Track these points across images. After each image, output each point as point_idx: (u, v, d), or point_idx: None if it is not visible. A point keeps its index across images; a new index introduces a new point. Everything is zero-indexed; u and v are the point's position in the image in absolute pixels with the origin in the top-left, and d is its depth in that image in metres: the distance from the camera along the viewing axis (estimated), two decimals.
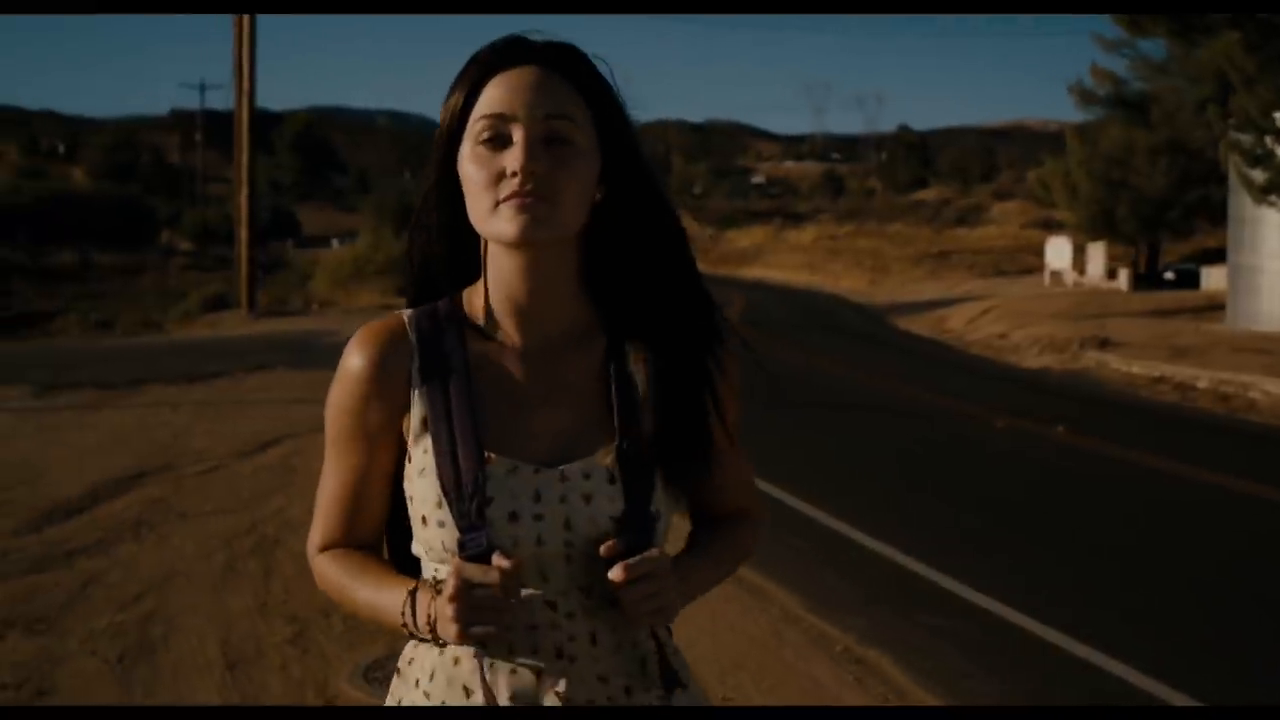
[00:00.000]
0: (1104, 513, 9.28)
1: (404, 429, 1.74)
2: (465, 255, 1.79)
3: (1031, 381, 20.05)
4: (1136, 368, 20.63)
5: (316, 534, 1.83)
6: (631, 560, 1.63)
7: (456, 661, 1.68)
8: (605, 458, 1.71)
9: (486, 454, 1.68)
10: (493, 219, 1.67)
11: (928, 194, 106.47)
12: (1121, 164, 44.64)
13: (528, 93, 1.69)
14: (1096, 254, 49.16)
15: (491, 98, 1.69)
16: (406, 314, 1.79)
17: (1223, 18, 20.92)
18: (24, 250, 65.46)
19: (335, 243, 72.49)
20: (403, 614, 1.68)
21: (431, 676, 1.70)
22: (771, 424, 8.70)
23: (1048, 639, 6.16)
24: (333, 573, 1.79)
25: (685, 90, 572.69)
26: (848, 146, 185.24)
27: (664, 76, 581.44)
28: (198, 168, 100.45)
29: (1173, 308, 32.69)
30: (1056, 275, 50.82)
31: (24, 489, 9.06)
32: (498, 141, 1.68)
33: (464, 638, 1.60)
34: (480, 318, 1.77)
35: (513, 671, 1.67)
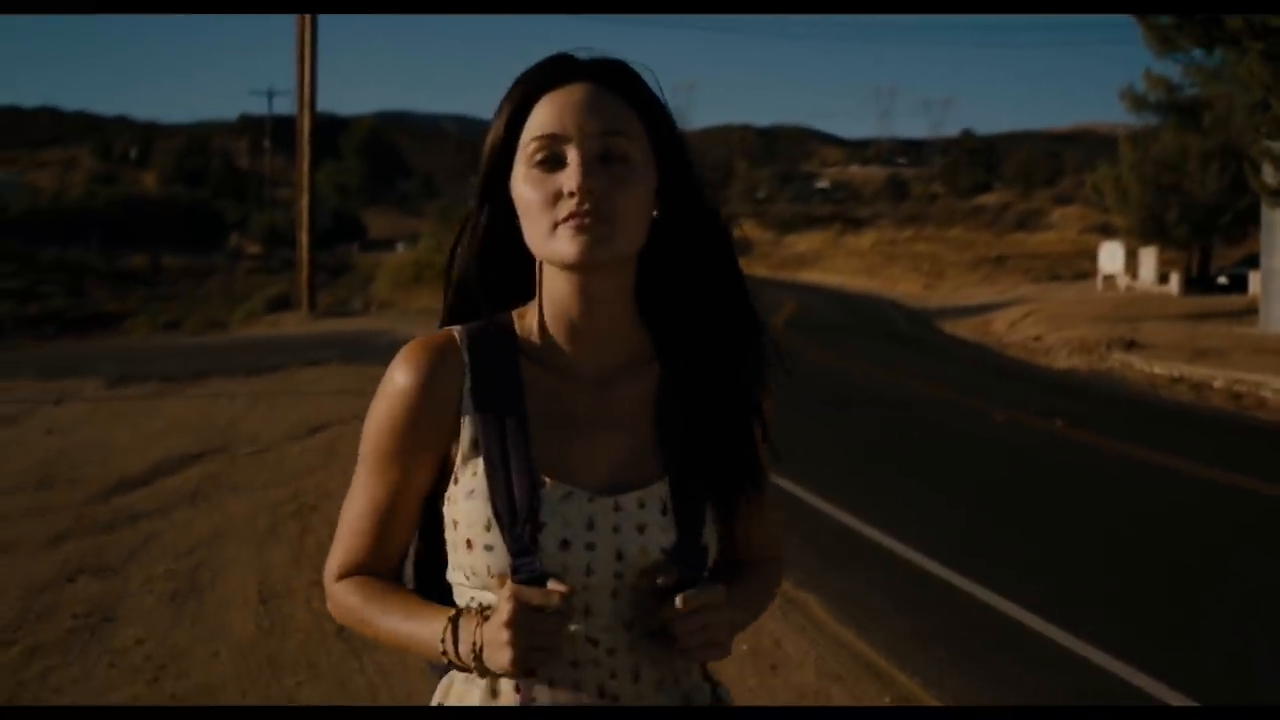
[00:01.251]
0: (1086, 500, 10.08)
1: (450, 450, 1.70)
2: (510, 277, 1.76)
3: (1054, 381, 20.80)
4: (1158, 368, 21.32)
5: (336, 559, 1.79)
6: (690, 592, 1.62)
7: (495, 694, 1.66)
8: (659, 489, 1.69)
9: (541, 478, 1.65)
10: (551, 241, 1.64)
11: (989, 198, 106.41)
12: (1173, 169, 45.00)
13: (580, 110, 1.67)
14: (1148, 259, 49.47)
15: (543, 118, 1.67)
16: (457, 331, 1.74)
17: (1245, 28, 21.52)
18: (97, 253, 67.11)
19: (400, 246, 73.52)
20: (443, 641, 1.63)
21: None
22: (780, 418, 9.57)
23: (989, 602, 7.02)
24: (354, 600, 1.75)
25: (751, 95, 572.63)
26: (913, 151, 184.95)
27: (730, 81, 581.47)
28: (265, 173, 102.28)
29: (1212, 311, 33.20)
30: (1109, 279, 51.19)
31: (95, 466, 10.13)
32: (552, 162, 1.65)
33: (517, 664, 1.55)
34: (533, 339, 1.73)
35: (554, 708, 1.64)
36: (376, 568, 1.76)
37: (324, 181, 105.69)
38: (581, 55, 1.72)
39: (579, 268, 1.65)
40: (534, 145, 1.66)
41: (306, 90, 29.32)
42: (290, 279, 36.03)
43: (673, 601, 1.61)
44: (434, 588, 1.75)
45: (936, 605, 6.88)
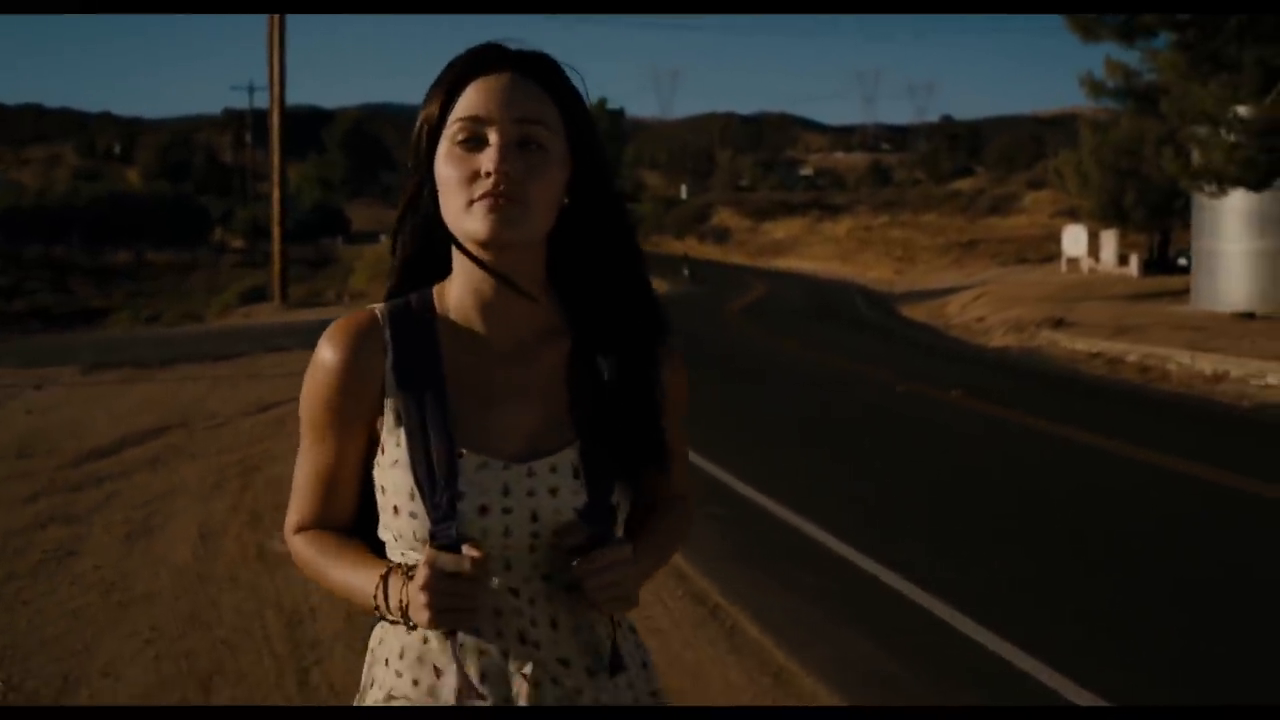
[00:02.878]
0: (945, 456, 11.35)
1: (377, 422, 1.80)
2: (444, 253, 1.83)
3: (979, 358, 22.12)
4: (1080, 345, 22.62)
5: (293, 514, 1.90)
6: (597, 551, 1.73)
7: (426, 640, 1.77)
8: (570, 454, 1.79)
9: (458, 449, 1.75)
10: (465, 218, 1.73)
11: (964, 184, 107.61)
12: (1131, 154, 46.14)
13: (503, 96, 1.75)
14: (1109, 241, 50.70)
15: (468, 101, 1.75)
16: (379, 308, 1.84)
17: (1158, 21, 22.81)
18: (81, 250, 67.98)
19: (383, 238, 74.23)
20: (374, 597, 1.75)
21: (401, 655, 1.79)
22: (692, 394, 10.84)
23: (846, 555, 8.27)
24: (308, 553, 1.87)
25: (735, 83, 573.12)
26: (898, 137, 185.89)
27: (715, 70, 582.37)
28: (248, 167, 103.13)
29: (1159, 291, 34.50)
30: (1073, 262, 52.37)
31: (69, 439, 11.35)
32: (473, 143, 1.74)
33: (435, 623, 1.67)
34: (451, 315, 1.83)
35: (480, 653, 1.75)
36: (329, 523, 1.87)
37: (307, 175, 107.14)
38: (511, 46, 1.81)
39: (489, 245, 1.74)
40: (457, 126, 1.74)
41: (277, 88, 30.53)
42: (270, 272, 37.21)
43: (583, 559, 1.73)
44: (378, 541, 1.85)
45: (759, 529, 8.13)
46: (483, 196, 1.71)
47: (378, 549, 1.83)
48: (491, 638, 1.76)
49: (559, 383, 1.83)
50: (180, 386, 15.29)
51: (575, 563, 1.73)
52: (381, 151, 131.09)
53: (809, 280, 60.21)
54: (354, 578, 1.79)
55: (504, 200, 1.71)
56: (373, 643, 1.86)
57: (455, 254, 1.81)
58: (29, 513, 8.39)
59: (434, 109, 1.78)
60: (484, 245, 1.75)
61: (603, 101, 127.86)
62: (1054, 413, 13.90)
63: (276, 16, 30.01)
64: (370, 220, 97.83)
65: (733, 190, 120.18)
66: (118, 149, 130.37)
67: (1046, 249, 64.88)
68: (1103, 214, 48.59)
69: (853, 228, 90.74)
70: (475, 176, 1.72)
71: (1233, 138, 23.30)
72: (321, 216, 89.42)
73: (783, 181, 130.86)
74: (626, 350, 1.85)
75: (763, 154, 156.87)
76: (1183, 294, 31.86)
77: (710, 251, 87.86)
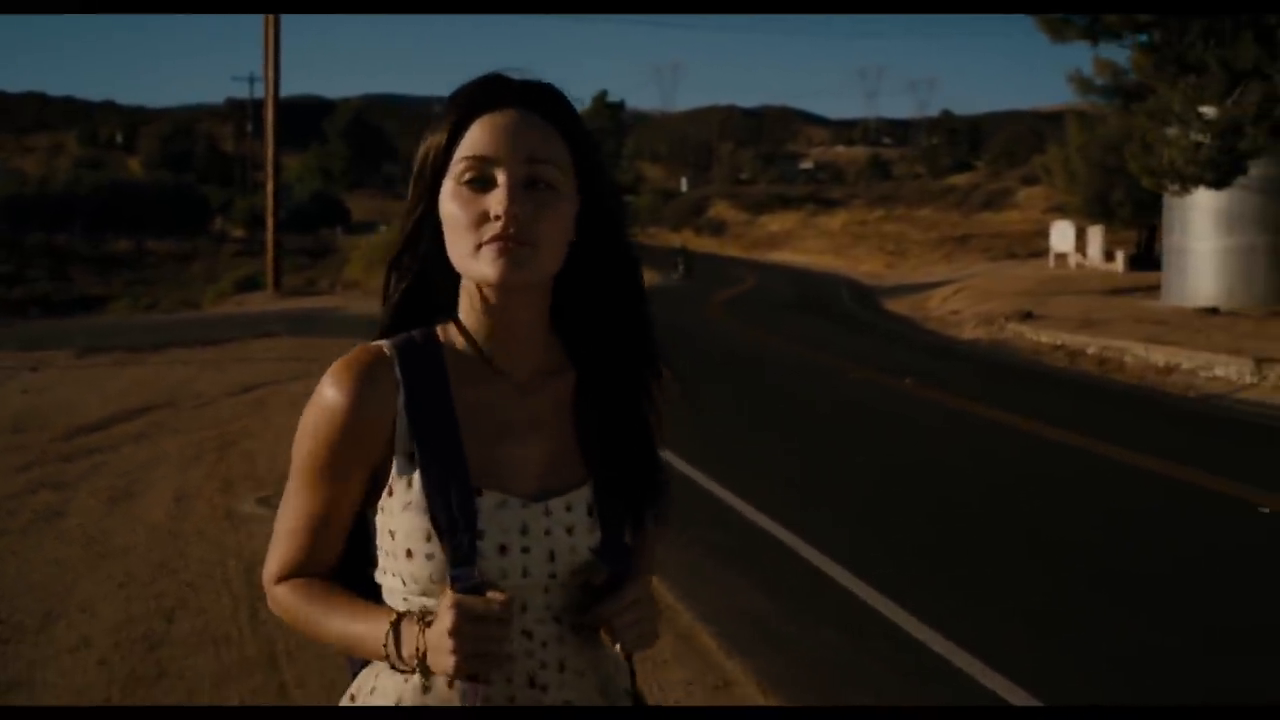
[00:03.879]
0: (897, 443, 12.11)
1: (382, 463, 1.75)
2: (442, 289, 1.80)
3: (948, 349, 22.89)
4: (1045, 337, 23.36)
5: (274, 563, 1.84)
6: (622, 592, 1.74)
7: (427, 690, 1.71)
8: (584, 492, 1.78)
9: (477, 487, 1.72)
10: (474, 261, 1.70)
11: (959, 179, 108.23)
12: (1118, 151, 46.72)
13: (511, 135, 1.71)
14: (1095, 237, 51.40)
15: (475, 139, 1.71)
16: (386, 345, 1.78)
17: (1121, 23, 23.58)
18: (82, 239, 68.63)
19: (383, 229, 74.71)
20: (385, 645, 1.70)
21: (398, 703, 1.73)
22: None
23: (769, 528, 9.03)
24: (295, 602, 1.81)
25: (738, 77, 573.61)
26: (899, 131, 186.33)
27: (717, 63, 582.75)
28: (249, 157, 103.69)
29: (1137, 286, 35.18)
30: (1061, 258, 53.03)
31: (62, 416, 12.12)
32: (480, 183, 1.70)
33: (462, 670, 1.62)
34: (457, 351, 1.79)
35: (486, 699, 1.70)
36: (315, 570, 1.81)
37: (308, 165, 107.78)
38: (515, 77, 1.77)
39: (500, 288, 1.72)
40: (464, 165, 1.71)
41: (271, 84, 31.36)
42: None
43: (606, 599, 1.73)
44: (362, 588, 1.80)
45: (682, 497, 8.88)
46: (492, 240, 1.68)
47: (366, 596, 1.80)
48: (501, 682, 1.72)
49: (566, 419, 1.82)
50: (170, 369, 16.07)
51: (603, 603, 1.73)
52: (383, 142, 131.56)
53: (800, 273, 60.84)
54: (355, 626, 1.75)
55: (513, 244, 1.68)
56: (359, 693, 1.80)
57: (463, 291, 1.80)
58: (21, 480, 9.16)
59: (439, 143, 1.75)
60: (495, 288, 1.73)
61: (602, 95, 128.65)
62: (1004, 401, 14.54)
63: (271, 16, 30.79)
64: (370, 211, 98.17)
65: (733, 183, 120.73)
66: (120, 138, 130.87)
67: (1036, 244, 65.38)
68: (1089, 210, 49.24)
69: (848, 221, 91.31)
70: (484, 218, 1.69)
71: (1198, 137, 24.05)
72: (321, 206, 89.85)
73: (783, 175, 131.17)
74: (628, 387, 1.85)
75: (764, 147, 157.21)
76: (1157, 290, 32.54)
77: (706, 244, 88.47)
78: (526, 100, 1.75)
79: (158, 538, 7.40)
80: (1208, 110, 24.28)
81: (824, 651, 5.81)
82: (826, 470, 10.43)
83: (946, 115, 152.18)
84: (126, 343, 19.18)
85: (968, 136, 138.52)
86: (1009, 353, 22.43)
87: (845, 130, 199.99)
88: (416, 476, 1.72)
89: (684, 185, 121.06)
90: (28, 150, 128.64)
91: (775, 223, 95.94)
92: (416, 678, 1.70)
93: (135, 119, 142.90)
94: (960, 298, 35.55)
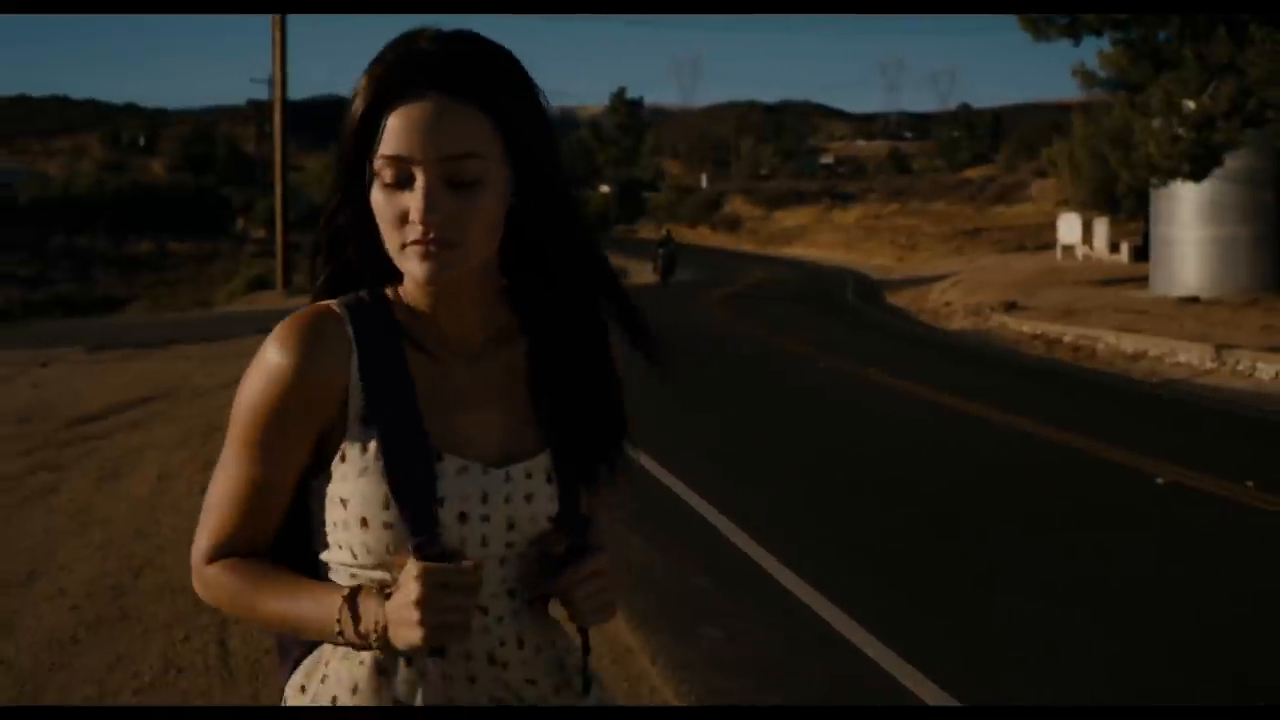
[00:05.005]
0: (844, 425, 12.89)
1: (330, 427, 1.68)
2: (376, 267, 1.73)
3: (931, 339, 23.65)
4: (1025, 327, 24.11)
5: (206, 540, 1.74)
6: (582, 563, 1.69)
7: (383, 671, 1.67)
8: (543, 459, 1.74)
9: (438, 452, 1.67)
10: (401, 258, 1.65)
11: (975, 172, 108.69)
12: (1121, 143, 47.27)
13: (425, 133, 1.63)
14: (1101, 229, 51.95)
15: (393, 137, 1.63)
16: (338, 305, 1.72)
17: (1098, 22, 24.29)
18: (105, 241, 69.69)
19: None
20: (339, 621, 1.63)
21: (354, 690, 1.68)
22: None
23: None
24: (228, 581, 1.72)
25: (760, 72, 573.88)
26: (920, 124, 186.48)
27: (738, 59, 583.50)
28: (270, 157, 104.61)
29: (1128, 276, 35.85)
30: (1068, 249, 53.60)
31: (67, 406, 13.00)
32: (401, 182, 1.63)
33: (428, 641, 1.57)
34: (408, 316, 1.74)
35: (446, 677, 1.66)
36: (249, 548, 1.73)
37: (328, 164, 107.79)
38: (428, 45, 1.67)
39: (428, 284, 1.67)
40: (382, 163, 1.64)
41: (279, 85, 32.32)
42: (289, 261, 38.93)
43: (567, 569, 1.68)
44: (301, 567, 1.73)
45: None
46: (414, 242, 1.63)
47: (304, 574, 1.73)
48: (460, 659, 1.68)
49: (521, 386, 1.77)
50: (173, 364, 16.97)
51: (564, 573, 1.69)
52: None
53: (809, 267, 61.52)
54: (301, 605, 1.67)
55: (435, 246, 1.62)
56: (306, 681, 1.74)
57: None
58: (22, 463, 10.01)
59: (353, 129, 1.67)
60: (423, 285, 1.70)
61: (621, 91, 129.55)
62: (968, 388, 15.10)
63: (277, 18, 31.70)
64: None
65: (751, 179, 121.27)
66: (142, 140, 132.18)
67: (1047, 237, 65.80)
68: (1094, 202, 49.80)
69: (862, 216, 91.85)
70: (405, 218, 1.63)
71: (1177, 130, 24.74)
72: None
73: (803, 170, 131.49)
74: (586, 349, 1.80)
75: (785, 142, 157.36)
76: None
77: (721, 239, 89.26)
78: (443, 80, 1.65)
79: (138, 510, 8.24)
80: (1187, 104, 24.98)
81: (692, 594, 6.66)
82: (754, 446, 11.21)
83: (964, 108, 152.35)
84: (136, 340, 20.13)
85: (989, 129, 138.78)
86: (989, 342, 23.15)
87: (866, 124, 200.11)
88: (371, 440, 1.66)
89: (704, 181, 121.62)
90: (51, 153, 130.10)
91: (790, 218, 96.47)
92: (371, 659, 1.67)
93: (157, 121, 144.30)
94: (956, 290, 36.25)
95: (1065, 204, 74.40)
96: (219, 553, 1.74)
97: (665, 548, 7.47)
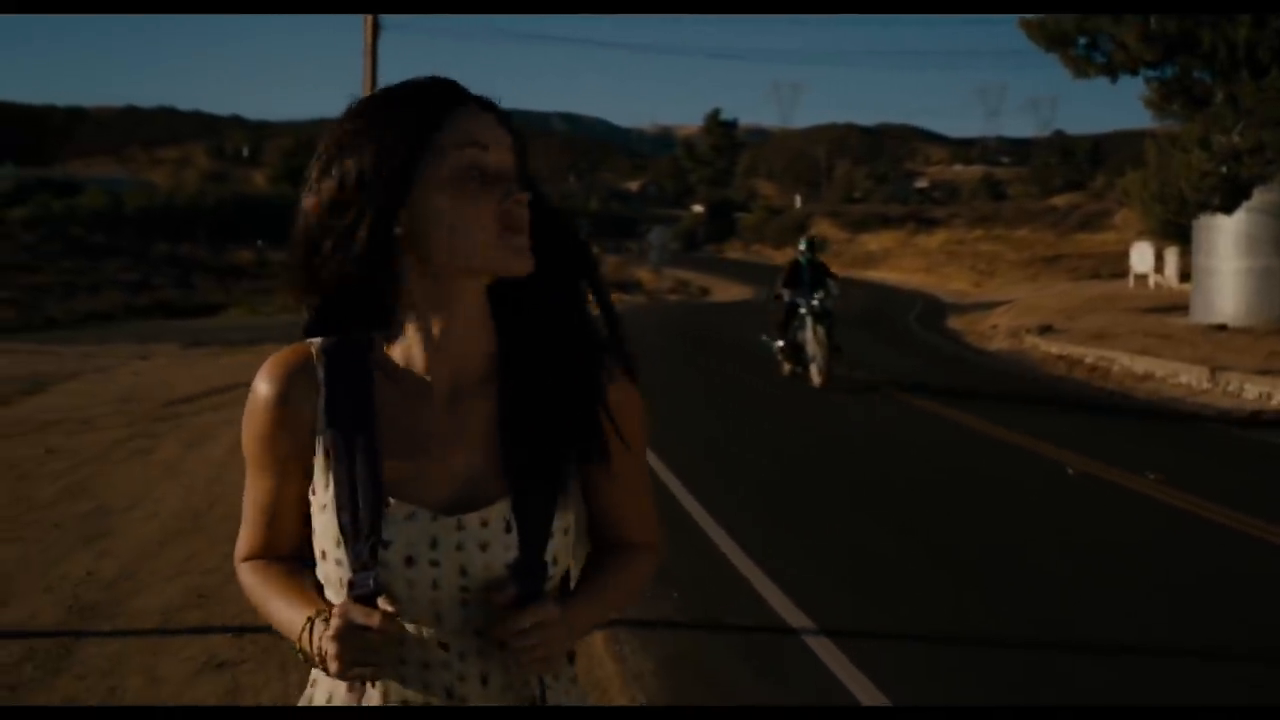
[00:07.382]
0: (829, 431, 14.54)
1: (312, 460, 1.77)
2: (370, 298, 1.77)
3: (963, 358, 25.12)
4: (1054, 348, 25.53)
5: (241, 542, 1.89)
6: (521, 613, 1.69)
7: (350, 689, 1.76)
8: (502, 507, 1.74)
9: (385, 497, 1.71)
10: (494, 251, 1.69)
11: (1061, 199, 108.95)
12: (1158, 176, 47.96)
13: (495, 128, 1.73)
14: (1172, 258, 52.74)
15: (468, 130, 1.70)
16: (315, 346, 1.81)
17: (1128, 59, 25.70)
18: (206, 248, 72.33)
19: None
20: (300, 639, 1.72)
21: (329, 700, 1.79)
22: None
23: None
24: (250, 582, 1.86)
25: (859, 95, 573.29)
26: (1019, 150, 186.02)
27: (838, 80, 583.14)
28: None
29: (1180, 304, 37.00)
30: (1141, 278, 54.40)
31: (161, 392, 15.08)
32: (482, 175, 1.69)
33: (342, 675, 1.65)
34: (390, 357, 1.78)
35: (405, 705, 1.74)
36: (273, 553, 1.86)
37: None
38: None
39: (510, 276, 1.73)
40: (462, 155, 1.69)
41: (368, 89, 34.34)
42: None
43: (506, 619, 1.69)
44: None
45: None
46: (509, 230, 1.69)
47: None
48: (417, 690, 1.74)
49: (493, 430, 1.78)
50: (257, 358, 18.52)
51: (500, 622, 1.69)
52: None
53: (885, 290, 62.54)
54: (285, 616, 1.77)
55: (523, 233, 1.71)
56: (313, 680, 1.85)
57: (418, 289, 1.75)
58: (125, 432, 12.05)
59: (410, 138, 1.69)
60: (502, 277, 1.74)
61: (716, 113, 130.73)
62: (974, 404, 16.14)
63: (369, 18, 33.42)
64: None
65: (843, 201, 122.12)
66: (246, 151, 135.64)
67: (1123, 265, 66.29)
68: (1164, 232, 50.56)
69: (946, 240, 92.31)
70: (495, 210, 1.69)
71: (1207, 165, 26.06)
72: None
73: (896, 194, 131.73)
74: (563, 379, 1.80)
75: (881, 165, 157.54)
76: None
77: None
78: (476, 99, 1.75)
79: (215, 467, 10.20)
80: (1219, 138, 26.31)
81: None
82: (752, 450, 12.88)
83: (1058, 134, 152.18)
84: (224, 339, 22.35)
85: (1088, 155, 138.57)
86: (1017, 362, 24.49)
87: (964, 149, 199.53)
88: (330, 479, 1.73)
89: (798, 203, 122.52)
90: (157, 162, 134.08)
91: (874, 241, 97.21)
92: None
93: (260, 133, 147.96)
94: (1008, 314, 37.57)
95: (1143, 233, 75.25)
96: (247, 554, 1.89)
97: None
